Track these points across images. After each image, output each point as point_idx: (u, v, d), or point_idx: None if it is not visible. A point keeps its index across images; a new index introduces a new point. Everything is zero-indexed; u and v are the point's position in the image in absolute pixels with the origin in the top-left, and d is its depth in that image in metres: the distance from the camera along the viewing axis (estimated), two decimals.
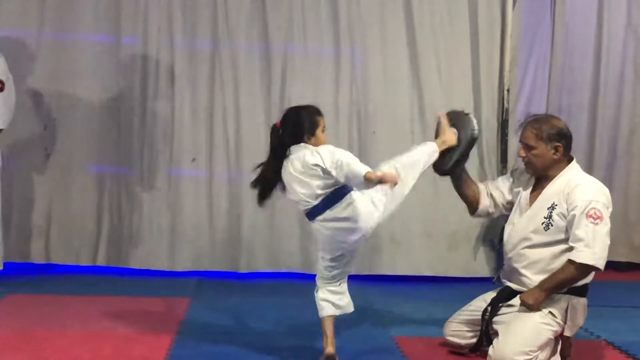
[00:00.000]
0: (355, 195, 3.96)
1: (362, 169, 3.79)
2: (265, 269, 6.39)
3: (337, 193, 3.94)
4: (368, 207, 3.99)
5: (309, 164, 3.91)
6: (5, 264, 6.06)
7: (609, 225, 4.02)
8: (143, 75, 6.33)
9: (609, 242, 4.01)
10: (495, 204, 4.43)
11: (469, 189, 4.47)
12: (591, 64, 6.88)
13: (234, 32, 6.37)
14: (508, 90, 6.52)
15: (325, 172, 3.88)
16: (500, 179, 4.54)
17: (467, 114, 4.49)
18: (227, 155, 6.35)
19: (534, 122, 4.18)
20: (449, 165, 4.43)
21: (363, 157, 6.38)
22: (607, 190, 4.13)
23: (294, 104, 6.28)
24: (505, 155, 6.51)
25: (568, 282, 4.03)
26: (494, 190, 4.45)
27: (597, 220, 3.96)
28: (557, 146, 4.11)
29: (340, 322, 4.99)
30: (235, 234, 6.39)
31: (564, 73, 6.83)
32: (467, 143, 4.41)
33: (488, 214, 4.52)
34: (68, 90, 6.29)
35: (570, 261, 3.98)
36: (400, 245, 6.49)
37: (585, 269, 3.98)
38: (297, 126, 4.01)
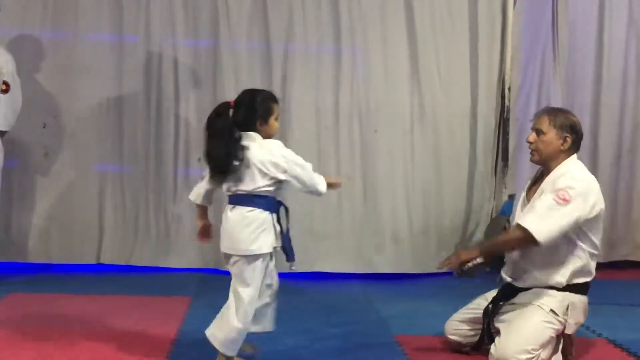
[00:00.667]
0: (262, 215, 3.84)
1: (318, 182, 3.85)
2: None
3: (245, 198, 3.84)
4: (251, 234, 3.84)
5: (267, 161, 3.81)
6: (5, 264, 6.07)
7: (572, 214, 3.96)
8: (145, 74, 6.34)
9: (562, 226, 3.95)
10: None
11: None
12: (593, 63, 6.88)
13: (235, 32, 6.37)
14: (509, 89, 6.52)
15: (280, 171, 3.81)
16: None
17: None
18: None
19: (551, 110, 4.25)
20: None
21: (365, 156, 6.46)
22: (595, 186, 4.11)
23: (295, 103, 6.39)
24: (506, 153, 6.52)
25: (506, 244, 4.08)
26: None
27: (561, 202, 3.96)
28: (567, 137, 4.13)
29: (342, 320, 5.02)
30: None
31: (567, 72, 6.82)
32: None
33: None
34: (69, 89, 6.30)
35: (516, 225, 4.03)
36: (401, 243, 6.50)
37: (525, 236, 3.96)
38: (251, 110, 3.86)
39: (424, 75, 6.49)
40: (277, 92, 6.21)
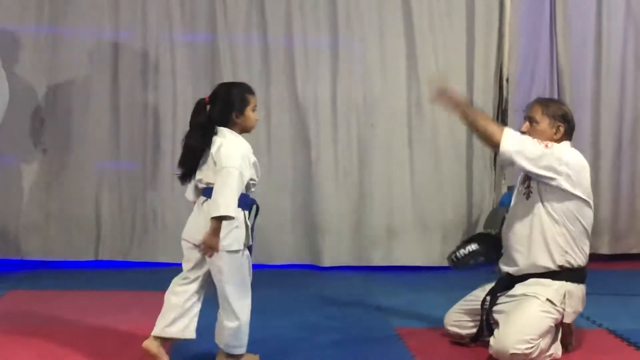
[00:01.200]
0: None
1: (222, 203, 3.62)
2: (264, 261, 6.39)
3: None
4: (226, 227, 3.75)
5: (214, 155, 3.77)
6: (4, 260, 6.08)
7: (551, 155, 4.01)
8: (142, 69, 6.34)
9: (532, 150, 4.01)
10: None
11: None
12: (592, 55, 6.87)
13: (232, 25, 6.38)
14: (507, 80, 6.53)
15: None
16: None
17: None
18: None
19: (543, 100, 4.31)
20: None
21: (363, 150, 6.46)
22: (586, 164, 4.15)
23: (293, 97, 6.39)
24: None
25: (482, 122, 4.09)
26: None
27: (542, 146, 4.02)
28: (559, 126, 4.16)
29: (342, 313, 5.02)
30: None
31: (566, 64, 6.80)
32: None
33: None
34: (66, 85, 6.30)
35: (502, 127, 4.09)
36: (398, 236, 6.52)
37: (498, 131, 4.03)
38: (226, 103, 3.84)
39: (421, 68, 6.50)
40: (274, 86, 6.36)
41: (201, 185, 3.87)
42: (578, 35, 6.84)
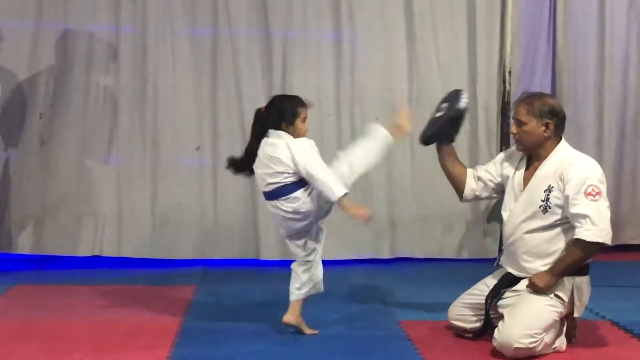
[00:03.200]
0: (299, 194, 4.22)
1: (335, 186, 4.13)
2: (271, 257, 6.39)
3: (284, 188, 4.24)
4: (309, 204, 4.25)
5: (271, 155, 4.22)
6: (6, 255, 6.07)
7: (607, 200, 4.02)
8: (143, 63, 6.31)
9: (609, 216, 4.01)
10: (485, 187, 4.40)
11: (454, 168, 4.46)
12: (595, 45, 6.82)
13: (233, 19, 6.35)
14: (509, 72, 6.51)
15: (285, 166, 4.20)
16: (490, 162, 4.49)
17: (459, 90, 4.50)
18: (231, 142, 6.28)
19: (527, 98, 4.20)
20: (429, 132, 4.44)
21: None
22: (599, 167, 4.12)
23: (296, 91, 6.36)
24: (507, 138, 6.49)
25: (578, 262, 4.02)
26: (483, 173, 4.41)
27: (597, 197, 3.96)
28: (548, 123, 4.10)
29: (346, 307, 5.02)
30: (241, 222, 6.40)
31: (568, 55, 6.79)
32: (453, 114, 4.39)
33: (476, 197, 4.50)
34: (65, 79, 6.26)
35: (578, 241, 3.97)
36: (401, 229, 6.53)
37: (594, 246, 3.98)
38: (278, 114, 4.28)
39: (422, 61, 6.49)
40: (277, 80, 6.36)
41: (262, 187, 4.36)
42: (580, 26, 6.80)
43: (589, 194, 3.95)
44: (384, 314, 4.92)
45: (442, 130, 4.42)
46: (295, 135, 4.27)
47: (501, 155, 4.48)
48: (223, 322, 4.66)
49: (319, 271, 4.43)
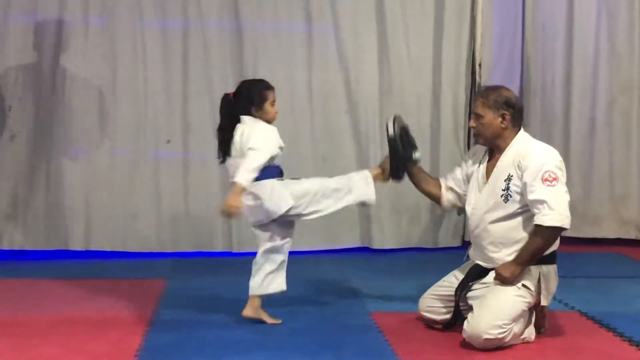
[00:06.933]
0: (267, 182, 4.30)
1: (243, 171, 4.21)
2: (244, 249, 6.37)
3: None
4: (272, 195, 4.30)
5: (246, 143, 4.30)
6: None
7: (565, 186, 4.05)
8: (112, 55, 6.26)
9: (569, 199, 4.05)
10: (458, 196, 4.47)
11: (427, 186, 4.54)
12: (564, 38, 6.85)
13: (204, 11, 6.32)
14: (480, 65, 6.54)
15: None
16: (456, 168, 4.54)
17: (387, 122, 4.54)
18: (202, 136, 6.25)
19: (484, 91, 4.29)
20: (390, 171, 4.52)
21: (338, 137, 6.45)
22: (557, 154, 4.15)
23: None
24: None
25: (540, 249, 4.06)
26: (452, 182, 4.49)
27: (554, 182, 4.00)
28: (504, 114, 4.14)
29: (318, 298, 5.03)
30: (213, 215, 6.38)
31: (537, 48, 6.82)
32: (391, 144, 4.46)
33: (455, 205, 4.55)
34: (34, 71, 6.20)
35: (537, 227, 4.02)
36: (374, 219, 6.56)
37: (554, 231, 4.02)
38: (247, 99, 4.38)
39: (393, 54, 6.51)
40: (248, 72, 6.33)
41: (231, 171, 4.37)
42: (549, 19, 6.83)
43: (546, 179, 3.99)
44: (355, 305, 4.93)
45: (395, 163, 4.48)
46: (265, 117, 4.39)
47: (467, 154, 4.53)
48: (194, 313, 4.65)
49: (280, 269, 4.43)
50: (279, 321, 4.43)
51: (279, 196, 4.29)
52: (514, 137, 4.18)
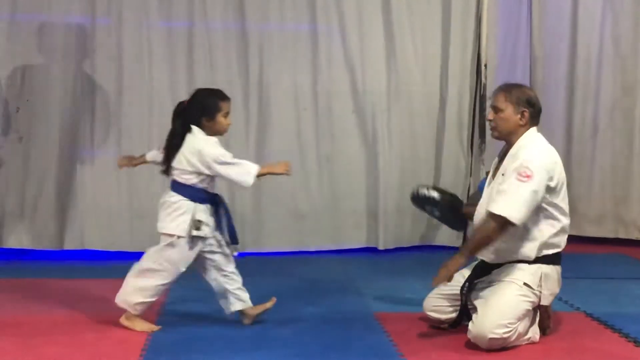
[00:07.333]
0: (179, 201, 4.22)
1: (245, 175, 4.16)
2: (240, 249, 6.36)
3: (181, 186, 4.23)
4: (172, 214, 4.26)
5: (189, 155, 4.17)
6: None
7: (537, 188, 4.00)
8: (118, 56, 6.27)
9: (531, 202, 3.99)
10: None
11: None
12: (568, 38, 6.88)
13: (209, 12, 6.33)
14: (485, 66, 6.55)
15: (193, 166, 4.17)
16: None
17: (416, 194, 4.57)
18: None
19: (506, 86, 4.27)
20: (454, 228, 4.76)
21: (345, 136, 6.45)
22: (552, 157, 4.13)
23: (272, 84, 6.37)
24: (483, 131, 6.54)
25: (486, 238, 4.04)
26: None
27: (526, 179, 3.99)
28: (524, 112, 4.15)
29: (322, 298, 5.03)
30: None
31: (542, 49, 6.82)
32: (443, 204, 4.55)
33: None
34: (41, 72, 6.21)
35: (488, 214, 4.03)
36: (379, 219, 6.57)
37: (498, 219, 3.99)
38: (199, 109, 4.20)
39: (399, 54, 6.52)
40: (253, 73, 6.35)
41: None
42: (555, 19, 6.85)
43: (520, 174, 4.00)
44: (360, 305, 4.94)
45: (451, 217, 4.58)
46: (215, 128, 4.22)
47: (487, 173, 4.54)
48: (198, 314, 4.66)
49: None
50: (274, 300, 4.48)
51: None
52: (524, 133, 4.18)
